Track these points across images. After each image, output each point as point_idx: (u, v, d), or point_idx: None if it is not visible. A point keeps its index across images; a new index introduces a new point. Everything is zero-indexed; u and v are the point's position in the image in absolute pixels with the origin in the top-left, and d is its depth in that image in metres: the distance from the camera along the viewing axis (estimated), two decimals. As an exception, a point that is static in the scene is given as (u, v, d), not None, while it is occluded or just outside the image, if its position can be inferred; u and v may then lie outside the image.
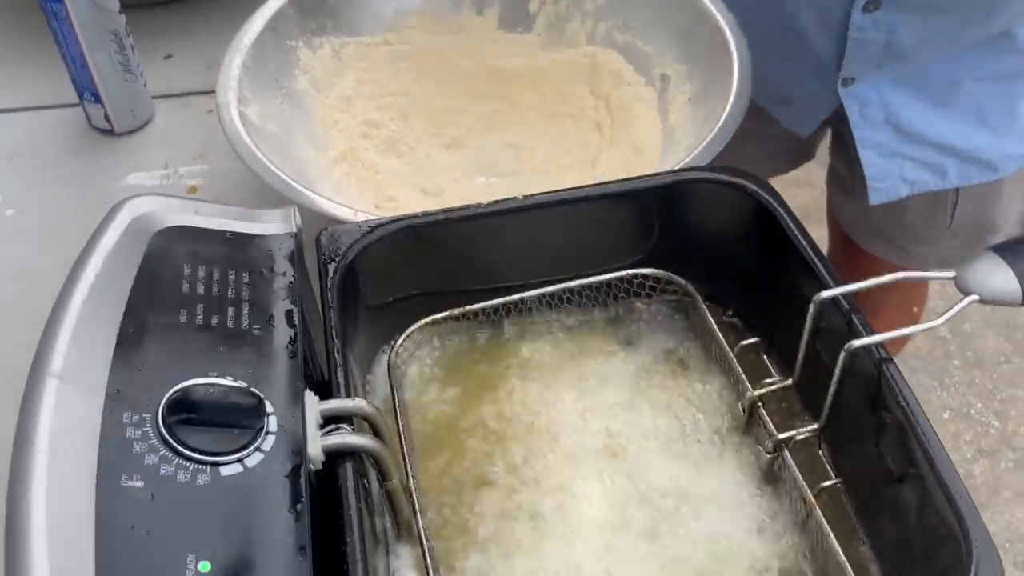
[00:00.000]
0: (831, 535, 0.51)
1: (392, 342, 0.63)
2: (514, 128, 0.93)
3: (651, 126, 0.87)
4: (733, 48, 0.83)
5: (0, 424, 0.69)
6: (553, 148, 0.91)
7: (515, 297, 0.64)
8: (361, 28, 0.93)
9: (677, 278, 0.63)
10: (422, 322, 0.63)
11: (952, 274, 0.51)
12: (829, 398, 0.53)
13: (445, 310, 0.63)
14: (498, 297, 0.63)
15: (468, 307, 0.63)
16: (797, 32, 0.92)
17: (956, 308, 0.50)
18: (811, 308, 0.53)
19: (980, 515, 0.45)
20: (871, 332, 0.51)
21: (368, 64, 0.93)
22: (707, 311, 0.62)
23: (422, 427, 0.61)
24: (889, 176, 0.98)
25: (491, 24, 0.96)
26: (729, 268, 0.63)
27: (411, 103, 0.93)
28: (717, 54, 0.84)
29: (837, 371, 0.51)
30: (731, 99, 0.79)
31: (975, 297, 0.50)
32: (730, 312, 0.65)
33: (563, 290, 0.64)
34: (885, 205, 1.02)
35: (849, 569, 0.50)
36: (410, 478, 0.54)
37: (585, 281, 0.64)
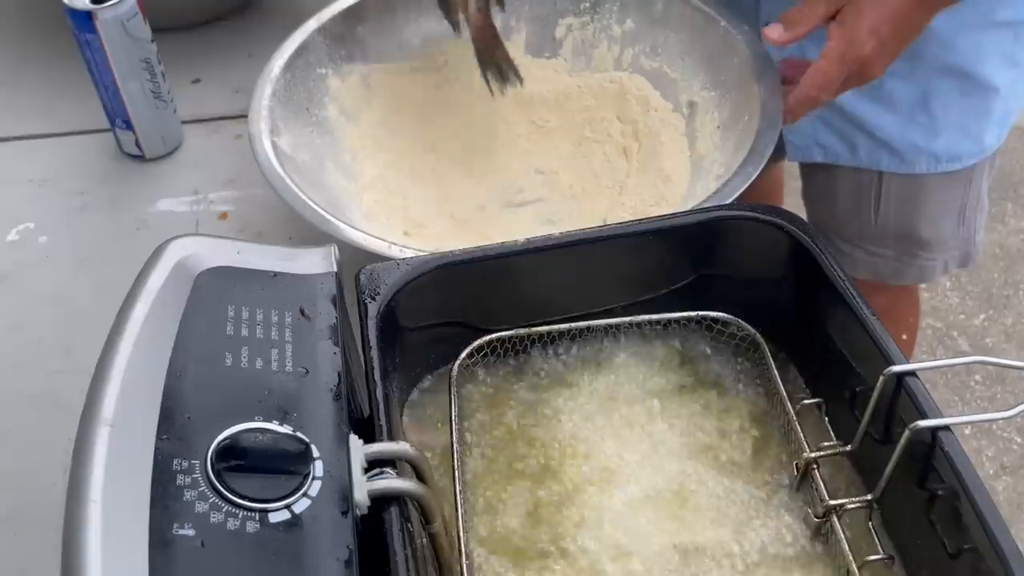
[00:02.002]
0: None
1: (449, 366, 0.62)
2: (541, 153, 0.94)
3: (679, 153, 0.87)
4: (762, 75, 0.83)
5: (38, 450, 0.70)
6: (580, 173, 0.92)
7: (581, 324, 0.64)
8: (389, 55, 0.94)
9: (746, 325, 0.63)
10: (484, 339, 0.63)
11: None
12: (887, 473, 0.52)
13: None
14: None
15: (532, 328, 0.63)
16: None
17: None
18: (879, 381, 0.52)
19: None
20: (938, 413, 0.50)
21: (396, 90, 0.94)
22: (774, 365, 0.61)
23: (472, 458, 0.61)
24: (805, 136, 0.98)
25: (518, 49, 0.97)
26: (770, 307, 0.63)
27: (439, 128, 0.94)
28: (745, 81, 0.84)
29: (899, 449, 0.50)
30: (761, 126, 0.79)
31: None
32: (781, 354, 0.65)
33: (628, 323, 0.64)
34: (819, 191, 1.03)
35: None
36: (459, 519, 0.54)
37: (650, 317, 0.64)
